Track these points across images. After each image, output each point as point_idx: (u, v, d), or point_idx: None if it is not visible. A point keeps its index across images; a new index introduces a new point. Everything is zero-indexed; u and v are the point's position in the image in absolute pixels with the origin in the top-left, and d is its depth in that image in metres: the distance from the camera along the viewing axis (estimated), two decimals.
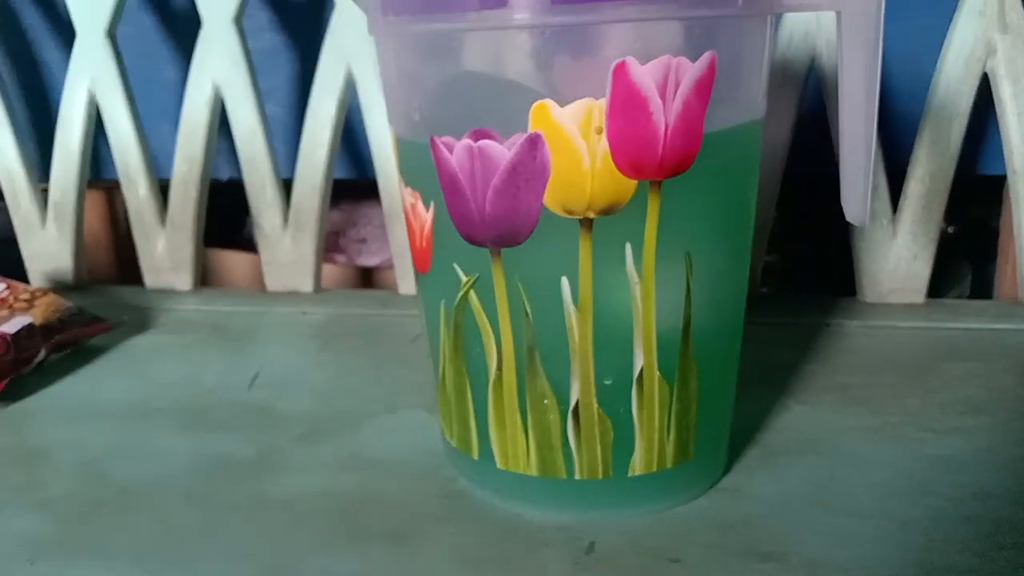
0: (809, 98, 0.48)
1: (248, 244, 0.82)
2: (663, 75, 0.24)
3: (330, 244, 0.79)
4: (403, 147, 0.28)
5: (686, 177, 0.25)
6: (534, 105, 0.24)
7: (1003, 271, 0.62)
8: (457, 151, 0.25)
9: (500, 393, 0.28)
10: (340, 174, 0.60)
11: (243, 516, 0.30)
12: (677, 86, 0.24)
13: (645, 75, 0.24)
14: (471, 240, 0.26)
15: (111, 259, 0.75)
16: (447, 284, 0.28)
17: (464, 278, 0.27)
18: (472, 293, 0.27)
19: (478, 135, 0.25)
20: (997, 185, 0.55)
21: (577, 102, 0.24)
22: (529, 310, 0.26)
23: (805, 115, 0.48)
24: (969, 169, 0.53)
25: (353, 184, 0.63)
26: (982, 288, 0.69)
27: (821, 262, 0.64)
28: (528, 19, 0.23)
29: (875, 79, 0.26)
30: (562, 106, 0.24)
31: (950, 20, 0.46)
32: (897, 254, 0.47)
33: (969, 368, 0.40)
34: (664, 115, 0.24)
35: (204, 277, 0.60)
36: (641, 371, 0.27)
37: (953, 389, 0.38)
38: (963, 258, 0.67)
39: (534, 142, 0.24)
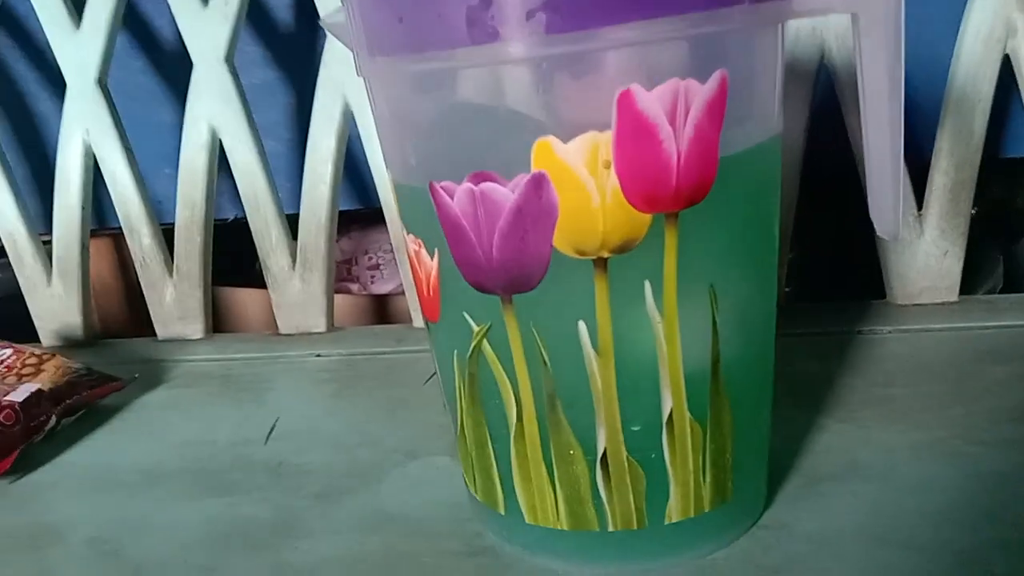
0: (820, 95, 0.47)
1: (261, 279, 0.81)
2: (671, 100, 0.22)
3: (342, 273, 0.77)
4: (401, 193, 0.27)
5: (703, 206, 0.23)
6: (536, 143, 0.22)
7: None
8: (458, 196, 0.24)
9: (523, 445, 0.26)
10: (346, 205, 0.59)
11: None
12: (687, 110, 0.22)
13: (652, 102, 0.22)
14: (480, 288, 0.25)
15: (123, 306, 0.74)
16: (459, 334, 0.26)
17: (476, 327, 0.26)
18: (485, 342, 0.26)
19: (479, 178, 0.23)
20: (1019, 163, 0.53)
21: (581, 137, 0.22)
22: (547, 357, 0.25)
23: (818, 113, 0.47)
24: (993, 152, 0.51)
25: (361, 209, 0.62)
26: (1014, 272, 0.67)
27: (845, 259, 0.62)
28: (523, 52, 0.22)
29: (899, 85, 0.24)
30: (565, 140, 0.22)
31: (966, 0, 0.44)
32: (926, 251, 0.45)
33: (1012, 369, 0.38)
34: (676, 142, 0.22)
35: (217, 317, 0.59)
36: (670, 414, 0.25)
37: (999, 395, 0.36)
38: (992, 244, 0.64)
39: (539, 182, 0.23)
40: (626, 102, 0.22)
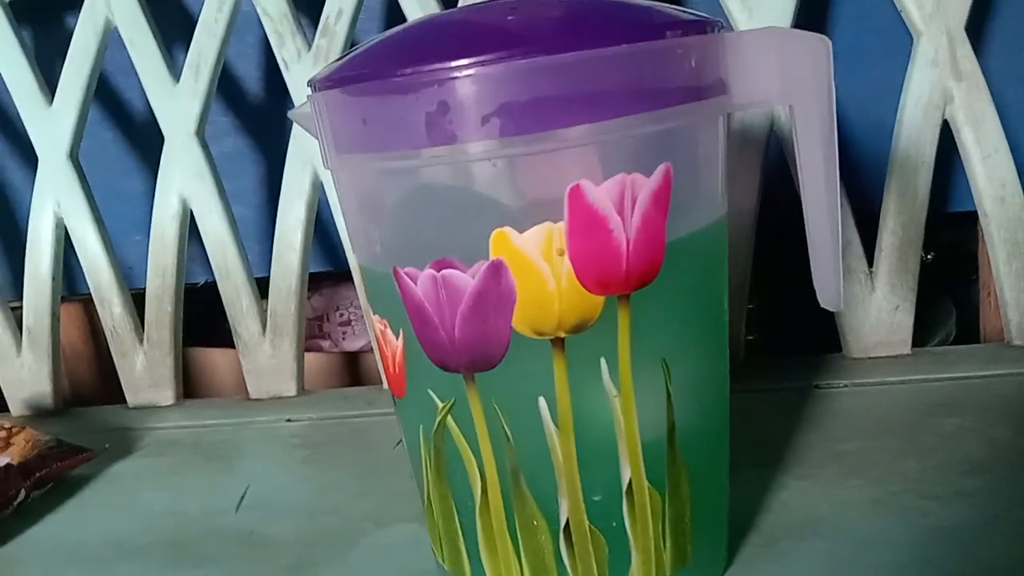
0: (772, 158, 0.49)
1: (229, 337, 0.81)
2: (619, 192, 0.23)
3: (314, 330, 0.78)
4: (367, 276, 0.28)
5: (653, 287, 0.25)
6: (494, 233, 0.24)
7: (986, 304, 0.62)
8: (421, 281, 0.25)
9: (488, 517, 0.27)
10: (316, 267, 0.60)
11: None
12: (635, 201, 0.24)
13: (601, 195, 0.23)
14: (443, 366, 0.26)
15: (93, 371, 0.74)
16: (424, 409, 0.27)
17: (440, 404, 0.27)
18: (449, 418, 0.27)
19: (440, 265, 0.24)
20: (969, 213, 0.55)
21: (536, 228, 0.23)
22: (509, 432, 0.26)
23: (771, 174, 0.48)
24: (940, 207, 0.53)
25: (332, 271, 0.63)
26: (968, 315, 0.69)
27: (804, 307, 0.64)
28: (480, 153, 0.23)
29: (834, 169, 0.26)
30: (521, 230, 0.24)
31: (905, 70, 0.46)
32: (878, 307, 0.47)
33: (963, 422, 0.39)
34: (624, 231, 0.24)
35: (188, 379, 0.59)
36: (630, 483, 0.26)
37: (950, 448, 0.37)
38: (945, 293, 0.66)
39: (497, 268, 0.24)
40: (576, 196, 0.23)
